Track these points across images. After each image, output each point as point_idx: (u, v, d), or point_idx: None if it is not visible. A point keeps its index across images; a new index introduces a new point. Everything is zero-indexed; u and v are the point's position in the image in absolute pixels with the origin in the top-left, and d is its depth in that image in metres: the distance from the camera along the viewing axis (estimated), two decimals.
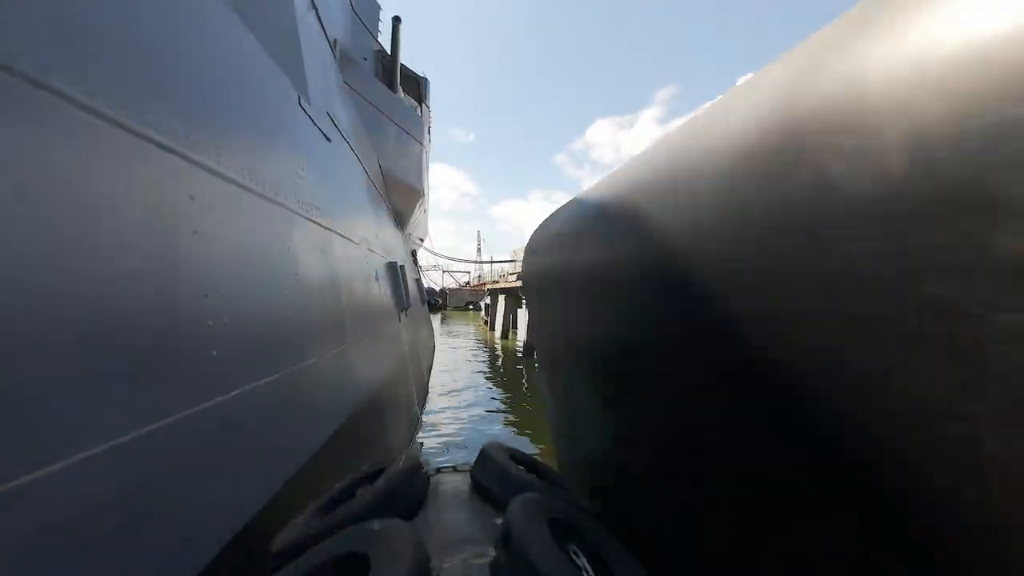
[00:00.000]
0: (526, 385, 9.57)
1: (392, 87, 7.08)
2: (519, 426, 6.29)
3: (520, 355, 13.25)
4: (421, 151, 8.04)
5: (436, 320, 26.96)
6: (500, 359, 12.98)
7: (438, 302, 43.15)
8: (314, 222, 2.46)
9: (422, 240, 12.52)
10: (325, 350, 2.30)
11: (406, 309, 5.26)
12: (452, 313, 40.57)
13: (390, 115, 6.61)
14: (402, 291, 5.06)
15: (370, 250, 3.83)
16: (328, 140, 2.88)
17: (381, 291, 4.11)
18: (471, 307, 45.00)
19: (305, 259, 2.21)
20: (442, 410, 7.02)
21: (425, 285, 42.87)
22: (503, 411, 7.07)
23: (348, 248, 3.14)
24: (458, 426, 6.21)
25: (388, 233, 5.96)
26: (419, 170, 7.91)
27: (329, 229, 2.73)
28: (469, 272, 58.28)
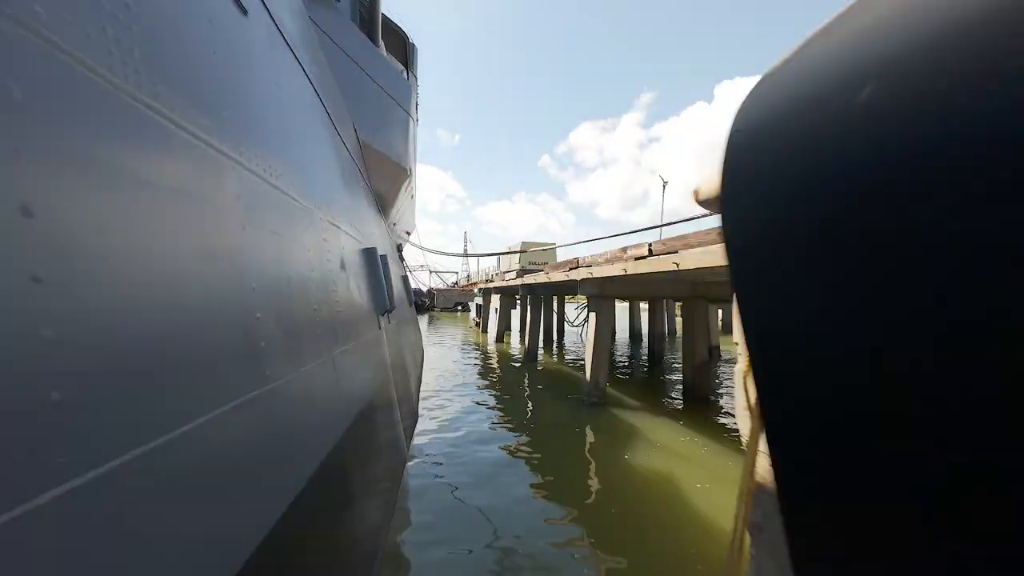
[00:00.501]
0: (528, 391, 8.46)
1: (373, 39, 5.80)
2: (532, 447, 5.07)
3: (518, 363, 12.07)
4: (408, 121, 6.77)
5: (423, 322, 25.62)
6: (496, 365, 11.77)
7: (426, 303, 41.69)
8: (216, 150, 1.23)
9: (409, 234, 11.18)
10: (239, 389, 1.11)
11: (389, 312, 4.00)
12: (441, 315, 39.09)
13: (371, 73, 5.35)
14: (384, 287, 3.80)
15: (333, 224, 2.57)
16: (243, 12, 1.62)
17: (352, 286, 2.86)
18: (460, 308, 43.60)
19: (191, 217, 1.00)
20: (436, 430, 5.75)
21: (413, 286, 41.29)
22: (510, 431, 5.83)
23: (295, 214, 1.89)
24: (455, 452, 4.96)
25: (366, 215, 4.69)
26: (405, 144, 6.64)
27: (253, 172, 1.49)
28: (457, 272, 56.96)
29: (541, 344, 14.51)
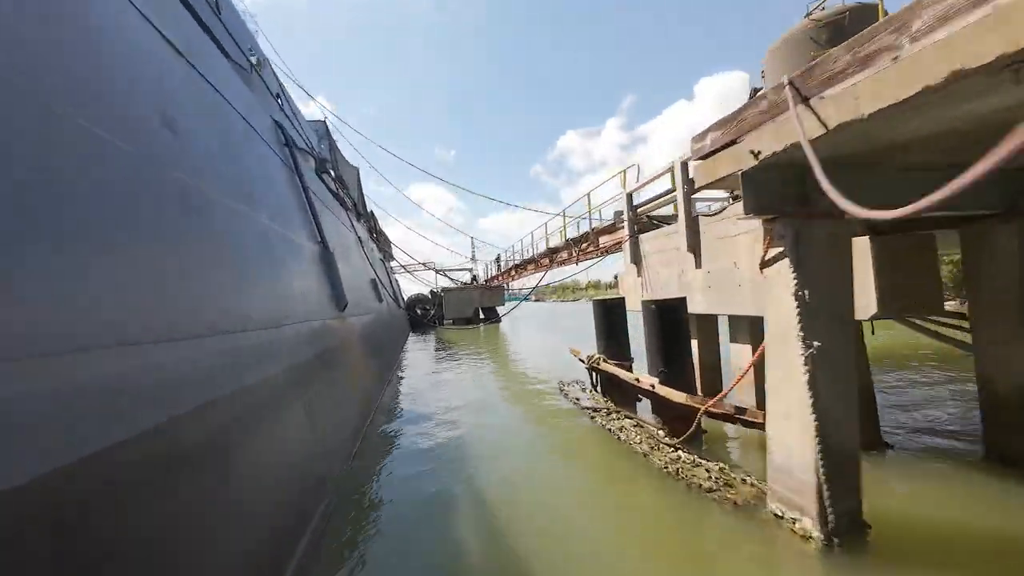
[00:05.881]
0: None
1: None
2: None
3: None
4: None
5: (426, 350, 15.48)
6: None
7: (428, 311, 29.62)
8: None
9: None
10: None
11: None
12: (450, 334, 23.51)
13: None
14: None
15: None
16: None
17: None
18: (484, 320, 29.37)
19: None
20: None
21: (405, 291, 26.68)
22: None
23: None
24: None
25: None
26: None
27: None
28: (472, 270, 39.12)
29: None
